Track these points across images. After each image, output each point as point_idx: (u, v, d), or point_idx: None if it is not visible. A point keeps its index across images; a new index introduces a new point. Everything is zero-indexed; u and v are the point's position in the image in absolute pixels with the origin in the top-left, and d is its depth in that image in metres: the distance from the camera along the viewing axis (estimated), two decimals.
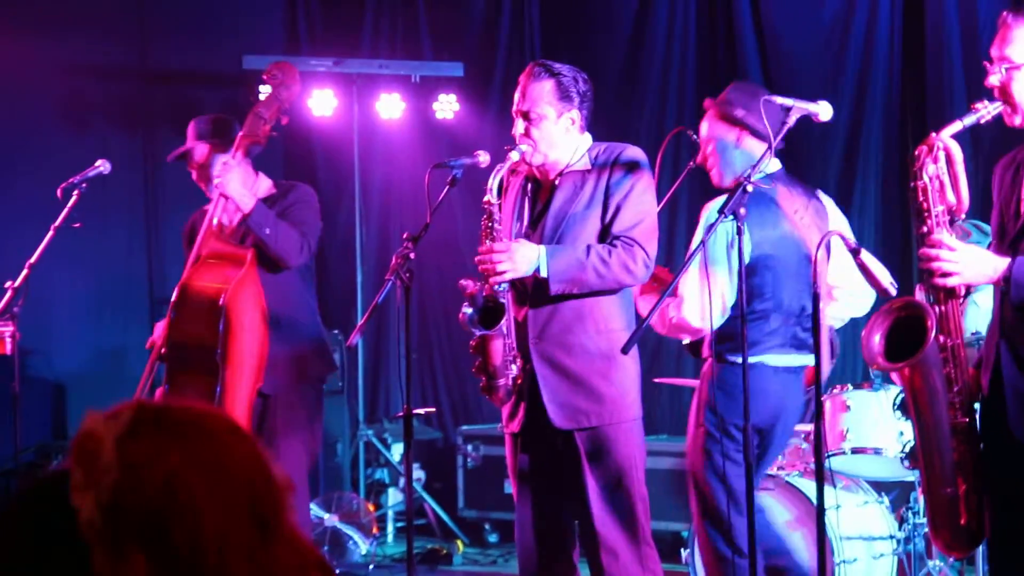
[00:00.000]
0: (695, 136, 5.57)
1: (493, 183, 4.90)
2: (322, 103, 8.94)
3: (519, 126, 4.92)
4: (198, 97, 8.91)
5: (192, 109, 8.71)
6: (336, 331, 8.73)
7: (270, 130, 5.92)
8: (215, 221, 5.88)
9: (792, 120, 4.56)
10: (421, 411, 7.82)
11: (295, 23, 9.77)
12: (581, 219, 4.90)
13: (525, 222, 5.03)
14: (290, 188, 6.14)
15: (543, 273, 4.78)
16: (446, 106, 9.16)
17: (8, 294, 6.04)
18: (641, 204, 4.92)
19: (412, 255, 5.31)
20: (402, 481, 8.66)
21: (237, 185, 5.80)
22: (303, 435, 6.36)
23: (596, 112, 5.62)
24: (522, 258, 4.76)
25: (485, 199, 4.88)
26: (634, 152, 5.00)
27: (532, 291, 4.87)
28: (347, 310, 9.27)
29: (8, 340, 6.17)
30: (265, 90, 6.04)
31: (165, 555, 1.68)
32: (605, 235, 4.90)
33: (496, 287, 4.81)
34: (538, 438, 4.95)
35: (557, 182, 4.98)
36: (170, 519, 1.68)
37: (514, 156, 4.92)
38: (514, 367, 4.89)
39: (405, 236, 5.37)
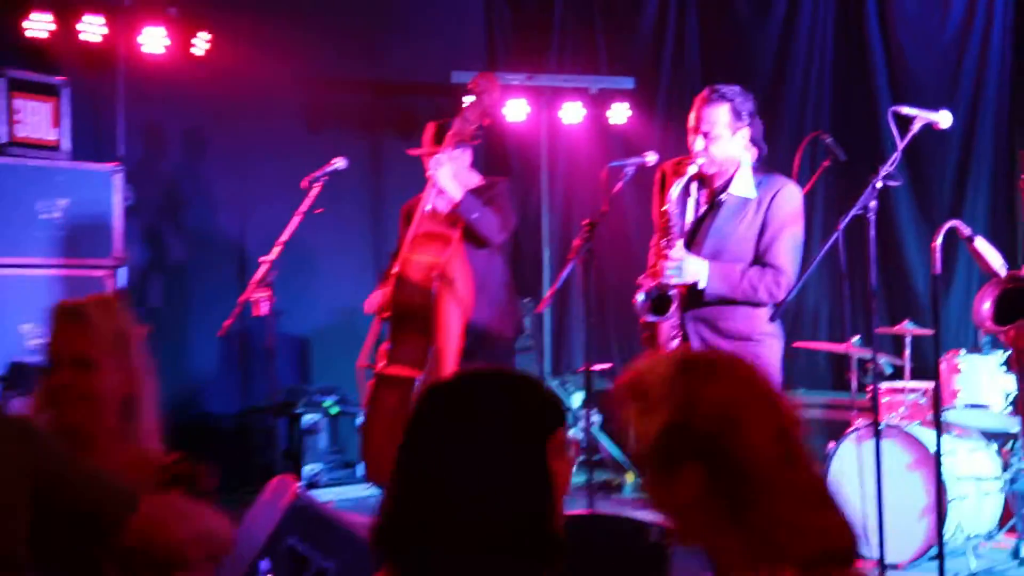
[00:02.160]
0: (829, 139, 5.50)
1: (674, 192, 4.87)
2: (516, 111, 8.97)
3: (699, 143, 4.85)
4: (413, 106, 8.98)
5: (409, 116, 8.81)
6: (527, 299, 8.72)
7: (474, 130, 5.97)
8: (428, 207, 5.94)
9: (917, 127, 4.51)
10: (597, 367, 7.82)
11: (494, 43, 9.76)
12: (739, 240, 4.87)
13: (687, 220, 4.98)
14: (495, 183, 6.18)
15: (701, 286, 4.80)
16: (619, 113, 9.10)
17: (265, 267, 6.14)
18: (792, 237, 4.88)
19: (591, 238, 5.37)
20: (581, 423, 8.70)
21: (447, 177, 5.86)
22: None
23: None
24: (689, 270, 4.79)
25: (664, 208, 4.88)
26: (791, 190, 4.93)
27: (690, 285, 4.86)
28: (535, 283, 9.27)
29: (265, 303, 6.20)
30: (470, 98, 6.02)
31: (721, 466, 1.79)
32: (758, 258, 4.88)
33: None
34: None
35: (723, 198, 4.93)
36: (727, 435, 1.79)
37: (692, 170, 4.88)
38: (675, 342, 4.88)
39: (585, 223, 5.41)
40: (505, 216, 6.05)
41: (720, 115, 4.86)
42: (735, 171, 4.93)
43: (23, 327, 6.46)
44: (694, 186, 4.98)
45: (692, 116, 4.91)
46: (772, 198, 4.87)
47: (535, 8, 9.77)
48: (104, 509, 2.88)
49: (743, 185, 4.91)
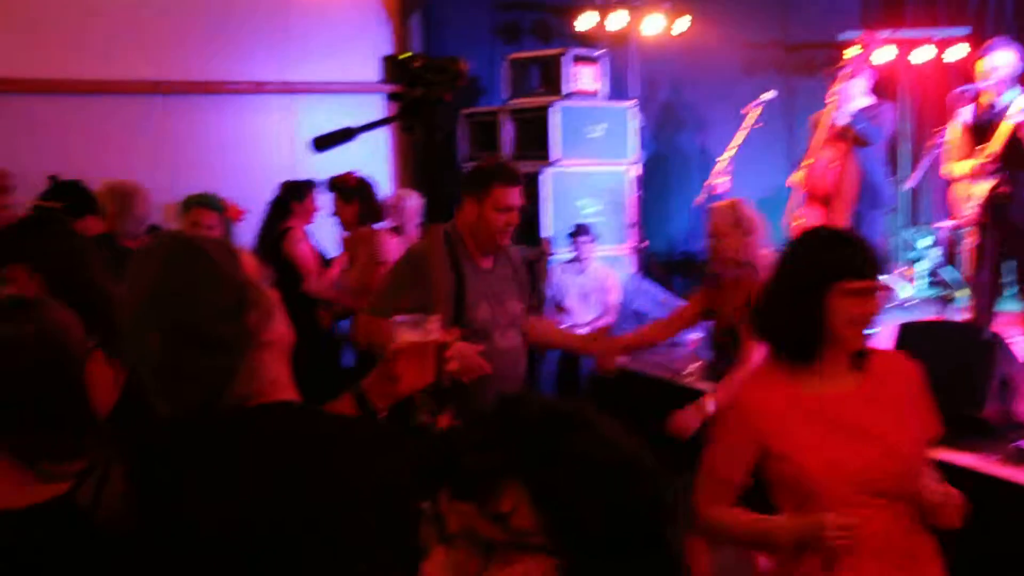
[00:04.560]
0: None
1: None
2: (886, 54, 8.50)
3: None
4: (812, 56, 8.90)
5: (810, 64, 8.72)
6: (894, 176, 8.42)
7: (863, 69, 6.16)
8: (831, 122, 6.17)
9: None
10: (942, 224, 7.64)
11: (867, 9, 9.54)
12: None
13: None
14: (879, 104, 6.33)
15: None
16: (957, 52, 8.64)
17: (721, 163, 6.70)
18: None
19: (941, 139, 5.80)
20: (930, 257, 8.38)
21: (847, 103, 6.18)
22: None
23: None
24: None
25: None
26: None
27: None
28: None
29: (721, 186, 6.66)
30: (854, 50, 6.24)
31: None
32: None
33: None
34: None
35: None
36: None
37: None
38: None
39: (935, 129, 5.95)
40: (884, 128, 6.28)
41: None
42: None
43: (578, 202, 7.35)
44: None
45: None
46: None
47: None
48: None
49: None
